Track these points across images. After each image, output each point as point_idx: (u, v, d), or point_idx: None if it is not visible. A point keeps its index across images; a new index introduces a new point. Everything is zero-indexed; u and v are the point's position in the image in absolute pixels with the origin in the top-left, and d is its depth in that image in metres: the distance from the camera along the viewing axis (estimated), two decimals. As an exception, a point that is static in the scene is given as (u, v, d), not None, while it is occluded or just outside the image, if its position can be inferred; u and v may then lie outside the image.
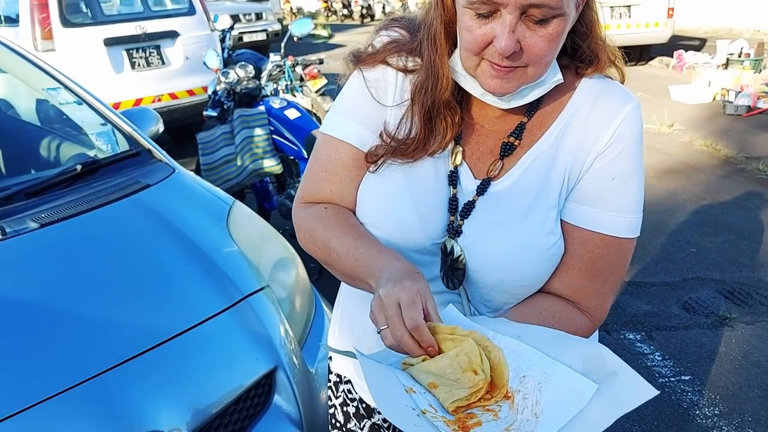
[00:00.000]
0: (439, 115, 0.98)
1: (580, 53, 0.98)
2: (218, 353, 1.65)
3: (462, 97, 1.01)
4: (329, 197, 1.07)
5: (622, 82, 1.02)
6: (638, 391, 0.76)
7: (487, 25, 0.86)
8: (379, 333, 0.83)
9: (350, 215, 1.05)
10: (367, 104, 1.03)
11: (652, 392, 0.75)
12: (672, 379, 2.81)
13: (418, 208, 1.00)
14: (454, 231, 0.99)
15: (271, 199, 4.13)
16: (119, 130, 2.38)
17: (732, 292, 3.51)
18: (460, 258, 0.98)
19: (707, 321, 3.24)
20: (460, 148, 1.01)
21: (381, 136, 1.02)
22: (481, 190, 0.99)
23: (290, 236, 3.71)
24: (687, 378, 2.81)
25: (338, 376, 1.26)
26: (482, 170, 1.01)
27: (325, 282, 2.76)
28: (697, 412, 2.59)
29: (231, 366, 1.65)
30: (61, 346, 1.48)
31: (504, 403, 0.80)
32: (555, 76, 0.95)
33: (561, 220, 0.99)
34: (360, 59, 1.04)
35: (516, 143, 0.99)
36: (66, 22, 5.41)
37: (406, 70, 1.02)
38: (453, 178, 1.00)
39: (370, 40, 1.06)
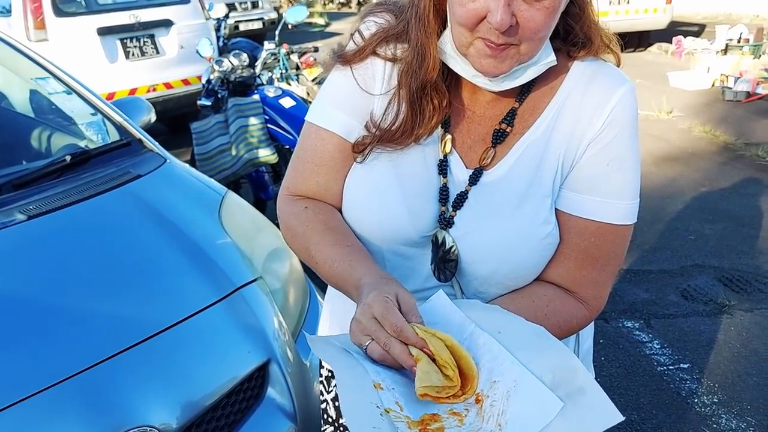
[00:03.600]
0: (425, 97, 0.95)
1: (573, 36, 0.95)
2: (210, 346, 1.63)
3: (451, 82, 0.97)
4: (315, 189, 1.04)
5: (618, 66, 0.99)
6: (604, 414, 0.72)
7: (482, 0, 0.83)
8: (365, 351, 0.80)
9: (330, 215, 1.02)
10: (354, 93, 1.00)
11: (617, 417, 0.72)
12: (671, 367, 2.79)
13: (407, 200, 0.97)
14: (445, 222, 0.96)
15: (266, 188, 4.10)
16: (110, 120, 2.35)
17: (731, 279, 3.49)
18: (453, 249, 0.95)
19: (706, 309, 3.23)
20: (449, 136, 0.97)
21: (367, 126, 0.99)
22: (474, 179, 0.96)
23: (286, 226, 3.70)
24: (686, 366, 2.80)
25: (330, 371, 1.24)
26: (474, 159, 0.98)
27: (320, 272, 2.74)
28: (696, 401, 2.58)
29: (223, 358, 1.62)
30: (50, 340, 1.46)
31: (473, 408, 0.77)
32: (548, 57, 0.92)
33: (556, 209, 0.96)
34: (345, 59, 1.01)
35: (508, 130, 0.96)
36: (59, 12, 5.35)
37: (394, 59, 0.98)
38: (443, 168, 0.97)
39: (356, 26, 1.03)
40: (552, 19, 0.86)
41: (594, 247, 0.95)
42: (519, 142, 0.96)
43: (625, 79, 0.96)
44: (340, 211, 1.05)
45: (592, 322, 1.13)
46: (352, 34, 1.03)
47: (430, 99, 0.95)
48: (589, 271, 0.97)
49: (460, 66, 0.92)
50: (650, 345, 2.96)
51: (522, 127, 0.97)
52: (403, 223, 0.97)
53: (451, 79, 0.97)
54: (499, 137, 0.96)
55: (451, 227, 0.96)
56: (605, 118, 0.93)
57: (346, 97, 1.01)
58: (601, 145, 0.94)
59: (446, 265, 0.96)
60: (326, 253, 0.96)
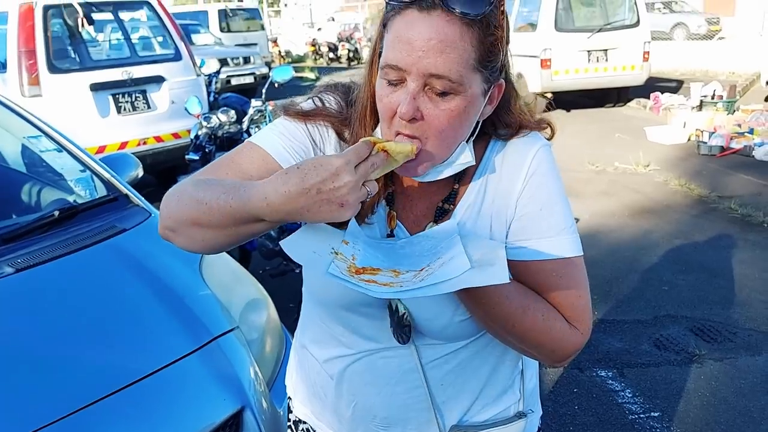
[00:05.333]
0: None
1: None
2: (187, 393, 1.70)
3: None
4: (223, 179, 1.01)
5: (551, 138, 1.09)
6: (495, 276, 0.86)
7: (395, 93, 0.93)
8: (369, 195, 0.88)
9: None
10: (304, 138, 1.07)
11: (504, 279, 0.85)
12: (642, 415, 2.86)
13: None
14: None
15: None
16: (98, 176, 2.46)
17: (702, 329, 3.58)
18: (405, 316, 1.03)
19: (677, 358, 3.31)
20: (394, 213, 1.06)
21: None
22: None
23: (270, 277, 3.77)
24: (656, 414, 2.86)
25: (297, 417, 1.31)
26: (418, 232, 1.06)
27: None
28: (665, 449, 2.64)
29: (199, 406, 1.69)
30: (29, 389, 1.53)
31: (413, 272, 0.90)
32: (465, 158, 1.00)
33: (514, 262, 1.03)
34: (302, 113, 1.08)
35: (450, 207, 1.06)
36: (53, 68, 5.52)
37: (343, 138, 1.08)
38: None
39: (315, 93, 1.11)
40: (457, 122, 0.94)
41: (560, 280, 1.02)
42: (455, 212, 1.06)
43: (538, 139, 1.06)
44: None
45: (537, 365, 1.22)
46: (310, 97, 1.11)
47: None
48: (566, 299, 1.02)
49: None
50: (623, 394, 3.03)
51: (456, 198, 1.07)
52: None
53: None
54: (441, 214, 1.06)
55: None
56: (525, 175, 1.04)
57: (294, 136, 1.07)
58: (527, 197, 1.03)
59: (402, 330, 1.04)
60: (219, 189, 0.92)
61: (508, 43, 0.98)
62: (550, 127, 1.10)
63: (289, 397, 1.33)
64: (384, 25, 0.96)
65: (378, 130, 1.04)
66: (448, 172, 1.01)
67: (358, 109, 1.05)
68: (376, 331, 1.08)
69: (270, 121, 4.82)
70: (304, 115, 1.08)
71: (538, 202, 1.03)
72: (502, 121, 1.04)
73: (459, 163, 1.01)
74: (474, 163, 1.03)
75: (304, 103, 1.11)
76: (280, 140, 1.05)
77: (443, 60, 0.89)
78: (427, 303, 1.03)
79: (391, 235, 1.06)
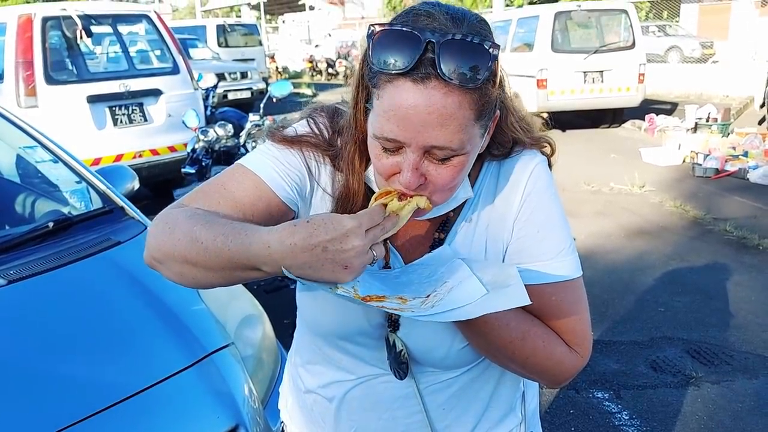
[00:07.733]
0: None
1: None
2: (180, 410, 1.66)
3: None
4: (214, 209, 0.96)
5: (551, 156, 1.06)
6: (515, 299, 0.84)
7: (394, 158, 0.89)
8: (374, 262, 0.85)
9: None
10: (296, 162, 1.03)
11: (525, 301, 0.83)
12: (638, 438, 2.83)
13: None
14: (393, 324, 1.01)
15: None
16: (93, 187, 2.43)
17: (698, 351, 3.56)
18: (402, 353, 1.00)
19: (674, 380, 3.28)
20: (389, 244, 1.03)
21: None
22: None
23: (265, 292, 3.74)
24: (653, 438, 2.83)
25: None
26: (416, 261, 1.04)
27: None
28: (663, 473, 2.61)
29: (192, 423, 1.65)
30: (19, 404, 1.49)
31: (421, 299, 0.87)
32: (465, 194, 0.99)
33: None
34: (285, 141, 1.03)
35: (443, 236, 1.03)
36: (50, 80, 5.51)
37: (338, 168, 1.04)
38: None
39: (305, 115, 1.08)
40: (463, 172, 0.91)
41: (560, 304, 0.99)
42: (448, 237, 1.03)
43: (533, 156, 1.02)
44: None
45: (538, 386, 1.20)
46: (302, 117, 1.07)
47: None
48: (565, 323, 1.00)
49: None
50: (619, 416, 3.00)
51: (450, 224, 1.04)
52: (358, 318, 1.03)
53: None
54: (439, 244, 1.03)
55: (398, 329, 1.01)
56: (521, 195, 1.00)
57: (286, 160, 1.02)
58: (524, 218, 1.00)
59: (399, 366, 1.02)
60: (218, 230, 0.86)
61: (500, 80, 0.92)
62: (550, 144, 1.06)
63: (282, 422, 1.29)
64: (373, 85, 0.89)
65: (369, 171, 1.01)
66: (446, 208, 0.99)
67: (346, 155, 1.01)
68: (376, 360, 1.06)
69: (267, 135, 4.82)
70: (289, 142, 1.03)
71: (535, 223, 1.00)
72: (495, 140, 1.00)
73: (458, 198, 0.99)
74: (472, 196, 0.99)
75: (297, 125, 1.06)
76: (274, 165, 1.01)
77: (443, 133, 0.85)
78: (424, 335, 1.00)
79: (387, 267, 1.03)
